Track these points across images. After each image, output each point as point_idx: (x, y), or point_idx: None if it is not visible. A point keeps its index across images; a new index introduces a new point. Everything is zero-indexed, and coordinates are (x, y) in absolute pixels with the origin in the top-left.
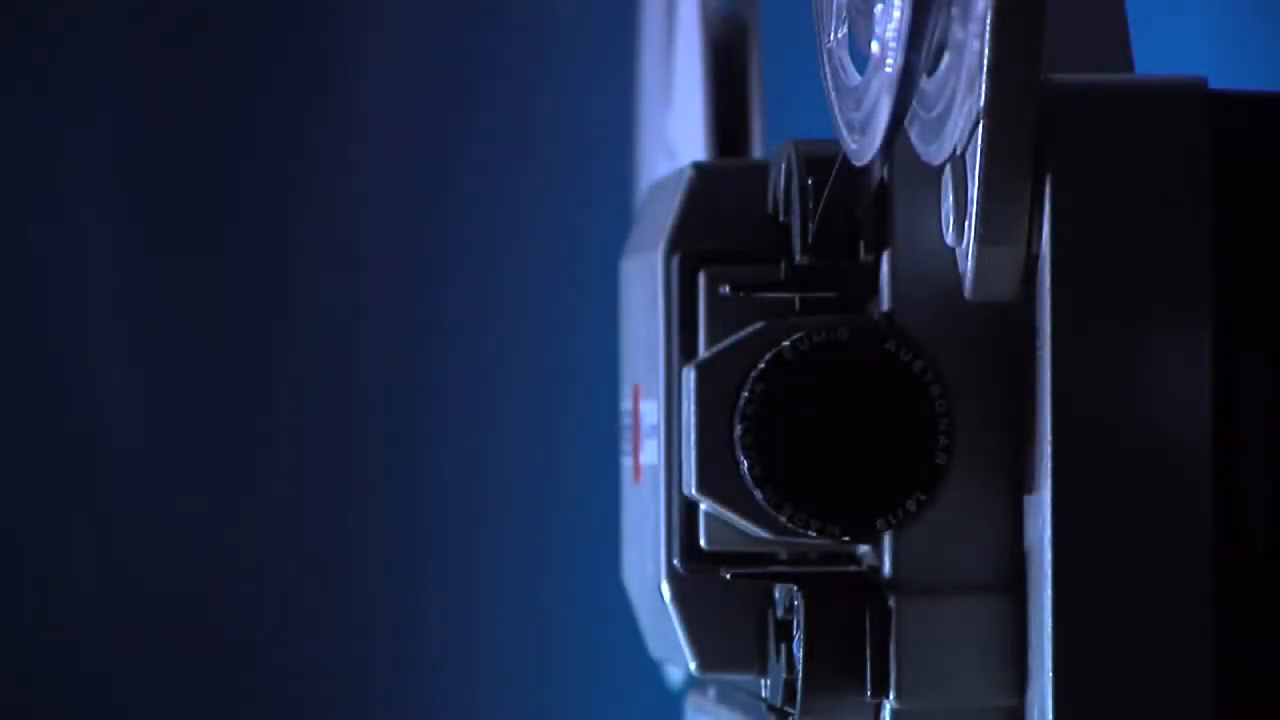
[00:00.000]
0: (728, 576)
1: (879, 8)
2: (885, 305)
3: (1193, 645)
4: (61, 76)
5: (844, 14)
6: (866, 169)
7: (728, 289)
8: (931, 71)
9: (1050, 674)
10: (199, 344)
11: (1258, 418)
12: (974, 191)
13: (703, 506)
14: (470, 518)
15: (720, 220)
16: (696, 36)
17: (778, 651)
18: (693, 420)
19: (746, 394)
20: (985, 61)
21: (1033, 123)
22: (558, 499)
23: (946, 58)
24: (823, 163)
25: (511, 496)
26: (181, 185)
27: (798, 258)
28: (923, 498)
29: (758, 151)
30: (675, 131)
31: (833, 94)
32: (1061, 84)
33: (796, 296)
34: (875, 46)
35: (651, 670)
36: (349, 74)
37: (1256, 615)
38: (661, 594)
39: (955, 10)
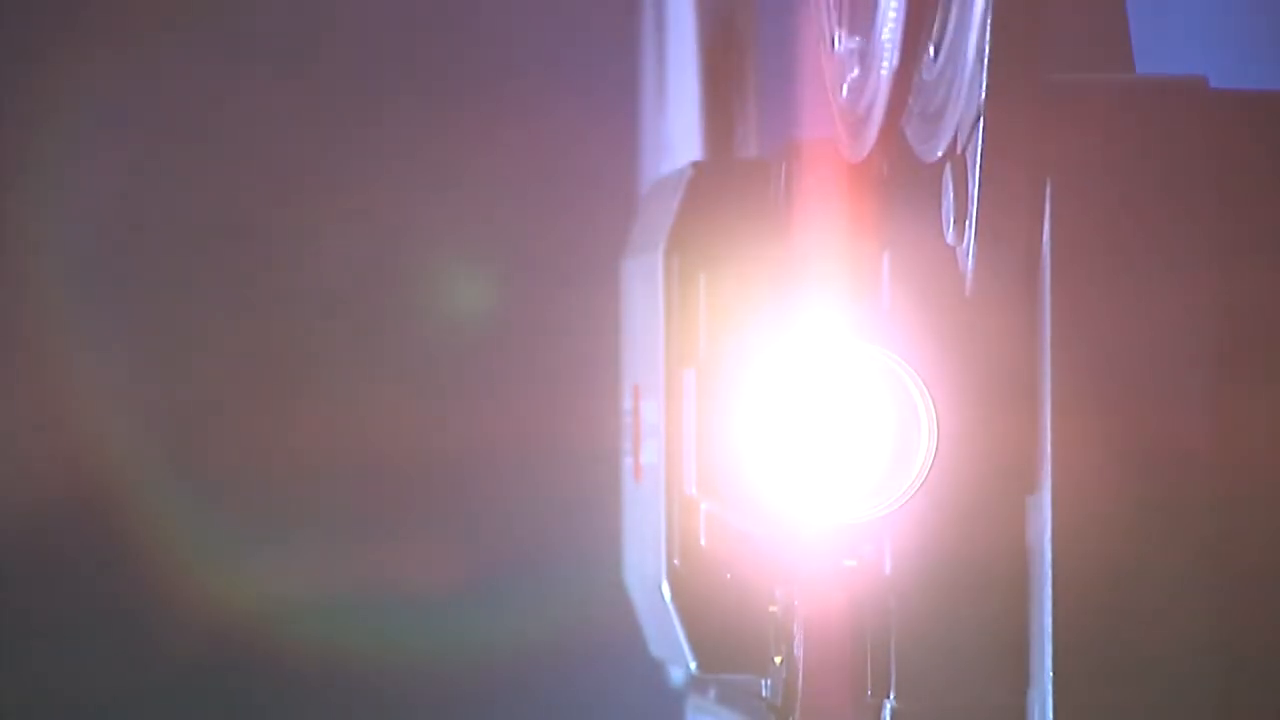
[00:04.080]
0: (728, 576)
1: (876, 8)
2: (886, 303)
3: (1194, 645)
4: (58, 71)
5: (840, 11)
6: None
7: None
8: (929, 69)
9: (1050, 674)
10: (197, 340)
11: (1259, 417)
12: (974, 190)
13: (703, 506)
14: (470, 516)
15: (720, 220)
16: (691, 34)
17: (778, 651)
18: (693, 421)
19: (747, 394)
20: (985, 58)
21: (1033, 121)
22: (558, 498)
23: (945, 55)
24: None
25: (512, 495)
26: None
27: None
28: (920, 493)
29: (753, 150)
30: (671, 131)
31: (829, 88)
32: (1061, 84)
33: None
34: (872, 47)
35: (651, 670)
36: (350, 74)
37: (1258, 614)
38: (662, 593)
39: (954, 7)
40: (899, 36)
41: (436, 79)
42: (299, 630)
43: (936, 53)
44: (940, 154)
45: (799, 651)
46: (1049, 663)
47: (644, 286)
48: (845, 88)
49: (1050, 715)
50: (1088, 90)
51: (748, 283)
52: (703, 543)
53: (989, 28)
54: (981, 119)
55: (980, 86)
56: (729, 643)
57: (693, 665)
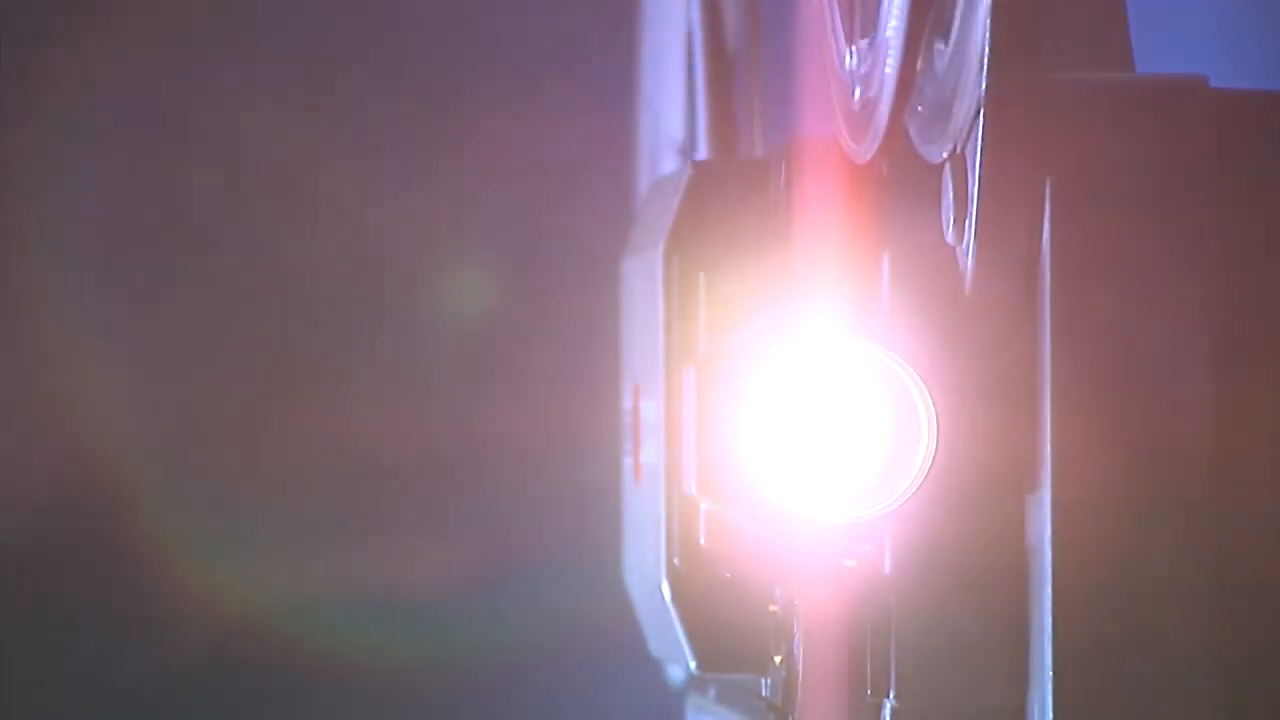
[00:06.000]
0: (727, 575)
1: (879, 8)
2: (886, 303)
3: (1193, 644)
4: (58, 71)
5: (842, 11)
6: None
7: None
8: (931, 70)
9: (1050, 674)
10: (196, 343)
11: (1258, 417)
12: (974, 190)
13: (703, 506)
14: (470, 516)
15: (720, 220)
16: (693, 33)
17: (778, 651)
18: (693, 420)
19: (747, 393)
20: (985, 57)
21: (1033, 120)
22: (558, 498)
23: (947, 56)
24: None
25: (512, 495)
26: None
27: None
28: (919, 492)
29: (754, 150)
30: (671, 130)
31: (832, 92)
32: (1061, 83)
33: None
34: (875, 46)
35: (651, 670)
36: (348, 73)
37: (1257, 614)
38: (662, 593)
39: (956, 8)
40: (902, 35)
41: (436, 78)
42: (299, 630)
43: (940, 52)
44: (945, 155)
45: (799, 651)
46: (1049, 663)
47: (644, 286)
48: (849, 87)
49: (1050, 715)
50: (1088, 90)
51: (748, 282)
52: (703, 542)
53: (989, 27)
54: (981, 118)
55: (981, 85)
56: (729, 642)
57: (692, 665)
